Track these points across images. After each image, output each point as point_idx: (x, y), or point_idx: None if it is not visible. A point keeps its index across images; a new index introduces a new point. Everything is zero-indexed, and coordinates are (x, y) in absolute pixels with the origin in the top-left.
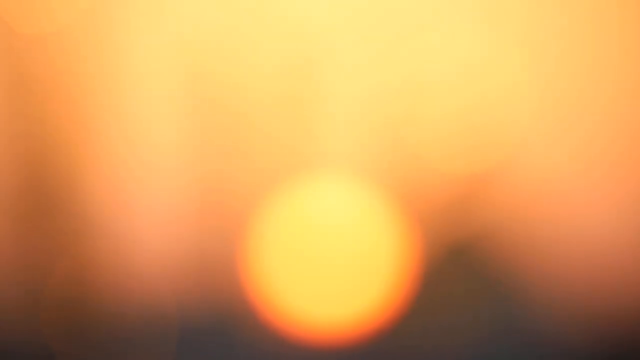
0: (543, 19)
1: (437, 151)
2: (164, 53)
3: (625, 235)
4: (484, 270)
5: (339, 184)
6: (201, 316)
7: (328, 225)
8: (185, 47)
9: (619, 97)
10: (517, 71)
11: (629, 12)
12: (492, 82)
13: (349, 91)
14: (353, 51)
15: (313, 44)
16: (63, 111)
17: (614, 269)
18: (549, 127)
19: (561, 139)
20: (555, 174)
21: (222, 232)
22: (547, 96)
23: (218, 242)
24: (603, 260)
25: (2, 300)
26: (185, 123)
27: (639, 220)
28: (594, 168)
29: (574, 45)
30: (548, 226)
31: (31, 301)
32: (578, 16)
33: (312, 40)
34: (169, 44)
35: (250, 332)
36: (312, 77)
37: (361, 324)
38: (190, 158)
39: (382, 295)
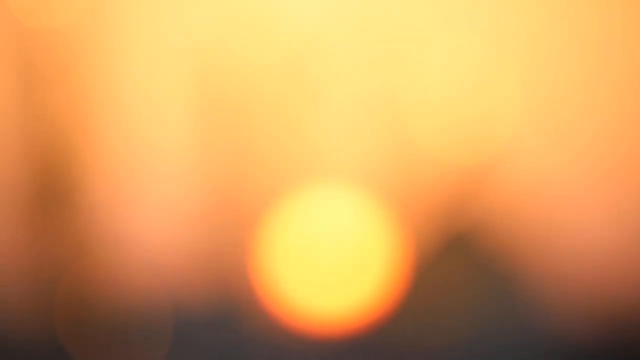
0: (533, 27)
1: (431, 150)
2: (169, 54)
3: (614, 227)
4: (479, 263)
5: (337, 184)
6: (208, 309)
7: (328, 223)
8: (190, 49)
9: (605, 98)
10: (509, 74)
11: (609, 22)
12: (484, 85)
13: (345, 93)
14: (350, 56)
15: (311, 49)
16: (72, 108)
17: (606, 261)
18: (539, 129)
19: (550, 139)
20: (545, 172)
21: (229, 230)
22: (536, 99)
23: (225, 240)
24: (594, 253)
25: (11, 293)
26: (190, 123)
27: (625, 212)
28: (582, 165)
29: (563, 52)
30: (541, 220)
31: (44, 296)
32: (564, 24)
33: (310, 44)
34: (174, 45)
35: (255, 324)
36: (310, 81)
37: (359, 316)
38: (199, 157)
39: (380, 290)
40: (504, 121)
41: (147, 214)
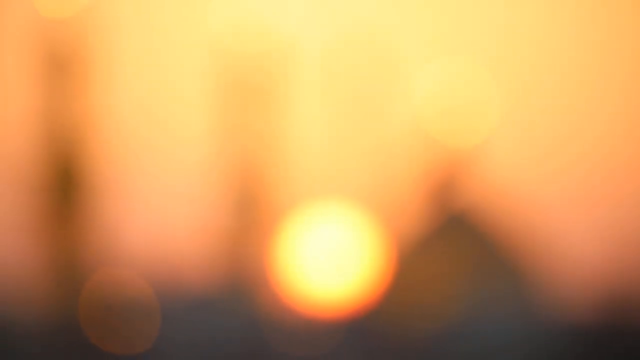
0: (520, 30)
1: (419, 147)
2: (181, 51)
3: (604, 219)
4: (467, 253)
5: (327, 183)
6: (216, 293)
7: (321, 224)
8: (200, 47)
9: (594, 96)
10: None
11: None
12: (471, 83)
13: (338, 93)
14: (346, 58)
15: (306, 51)
16: (89, 99)
17: (593, 248)
18: (517, 127)
19: (529, 136)
20: (530, 166)
21: (239, 220)
22: (514, 102)
23: (235, 228)
24: (581, 244)
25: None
26: (200, 116)
27: (615, 202)
28: (568, 161)
29: (545, 58)
30: (528, 209)
31: (67, 288)
32: (552, 30)
33: (304, 46)
34: (185, 43)
35: (261, 305)
36: (305, 81)
37: (353, 302)
38: (211, 145)
39: (371, 280)
40: (489, 117)
41: (160, 203)
